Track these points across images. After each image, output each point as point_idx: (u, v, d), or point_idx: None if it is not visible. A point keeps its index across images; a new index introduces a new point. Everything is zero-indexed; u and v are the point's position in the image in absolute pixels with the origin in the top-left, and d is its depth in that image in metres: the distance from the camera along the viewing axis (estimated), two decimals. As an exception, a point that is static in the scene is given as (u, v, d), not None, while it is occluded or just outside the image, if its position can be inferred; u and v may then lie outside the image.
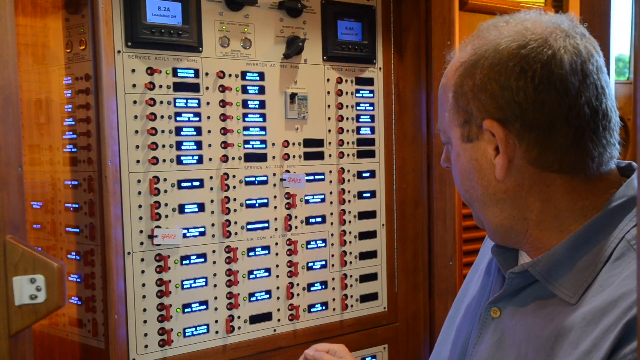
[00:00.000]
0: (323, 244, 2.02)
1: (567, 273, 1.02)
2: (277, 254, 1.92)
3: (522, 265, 1.06)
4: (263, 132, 1.89)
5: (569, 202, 1.04)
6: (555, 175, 1.03)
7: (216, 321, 1.81)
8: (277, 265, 1.92)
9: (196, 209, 1.76)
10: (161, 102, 1.70)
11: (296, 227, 1.96)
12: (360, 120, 2.09)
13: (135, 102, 1.67)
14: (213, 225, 1.80)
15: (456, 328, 1.24)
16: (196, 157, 1.76)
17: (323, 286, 2.02)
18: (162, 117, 1.70)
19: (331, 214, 2.03)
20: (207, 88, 1.78)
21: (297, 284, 1.96)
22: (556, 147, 1.02)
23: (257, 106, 1.87)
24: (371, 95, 2.12)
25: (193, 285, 1.76)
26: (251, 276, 1.87)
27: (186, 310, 1.75)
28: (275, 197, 1.91)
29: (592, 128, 1.02)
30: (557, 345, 0.98)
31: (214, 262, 1.80)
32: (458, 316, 1.28)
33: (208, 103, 1.78)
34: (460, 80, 1.06)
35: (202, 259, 1.78)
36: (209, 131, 1.78)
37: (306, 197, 1.98)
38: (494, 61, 1.02)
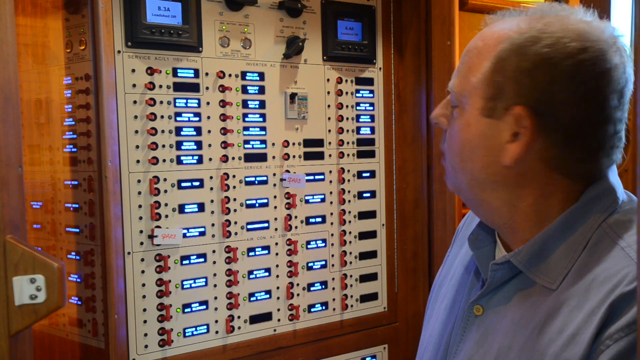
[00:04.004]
0: (323, 244, 2.02)
1: (548, 261, 1.04)
2: (277, 254, 1.92)
3: (505, 256, 1.08)
4: (263, 132, 1.89)
5: (561, 202, 1.06)
6: (560, 177, 1.05)
7: (216, 321, 1.81)
8: (277, 265, 1.92)
9: (196, 209, 1.76)
10: (161, 102, 1.70)
11: (296, 227, 1.96)
12: (360, 120, 2.09)
13: (135, 102, 1.67)
14: (213, 225, 1.80)
15: (442, 323, 1.24)
16: (196, 157, 1.76)
17: (323, 286, 2.02)
18: (162, 117, 1.70)
19: (331, 214, 2.03)
20: (207, 88, 1.78)
21: (297, 284, 1.96)
22: (574, 156, 1.03)
23: (257, 106, 1.87)
24: (371, 95, 2.12)
25: (193, 285, 1.76)
26: (251, 276, 1.87)
27: (186, 310, 1.75)
28: (275, 197, 1.91)
29: (610, 146, 1.05)
30: (542, 332, 1.01)
31: (214, 262, 1.80)
32: (437, 303, 1.29)
33: (208, 103, 1.78)
34: (505, 54, 1.03)
35: (202, 259, 1.78)
36: (209, 131, 1.78)
37: (306, 197, 1.98)
38: (551, 53, 1.01)
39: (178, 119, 1.73)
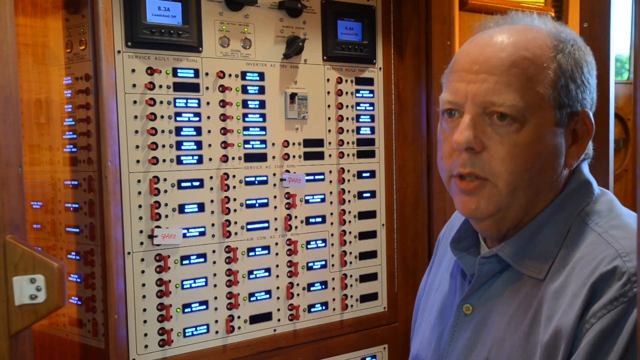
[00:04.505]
0: (323, 244, 2.02)
1: (534, 252, 1.08)
2: (277, 254, 1.92)
3: (492, 250, 1.11)
4: (263, 132, 1.89)
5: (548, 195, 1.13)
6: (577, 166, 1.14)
7: (216, 321, 1.81)
8: (277, 265, 1.92)
9: (196, 209, 1.76)
10: (161, 102, 1.70)
11: (296, 227, 1.96)
12: (360, 120, 2.09)
13: (135, 102, 1.67)
14: (213, 225, 1.80)
15: (432, 328, 1.25)
16: (196, 157, 1.76)
17: (323, 286, 2.02)
18: (162, 117, 1.70)
19: (331, 214, 2.03)
20: (207, 88, 1.78)
21: (297, 284, 1.96)
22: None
23: (257, 106, 1.87)
24: (371, 95, 2.12)
25: (193, 285, 1.76)
26: (251, 276, 1.87)
27: (186, 310, 1.75)
28: (275, 197, 1.91)
29: None
30: (534, 322, 1.04)
31: (214, 262, 1.80)
32: (425, 312, 1.31)
33: (208, 103, 1.78)
34: (564, 63, 1.07)
35: (202, 259, 1.78)
36: (209, 131, 1.78)
37: (306, 197, 1.98)
38: (590, 58, 1.12)
39: (178, 119, 1.73)
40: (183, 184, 1.74)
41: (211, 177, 1.79)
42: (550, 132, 1.06)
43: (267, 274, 1.90)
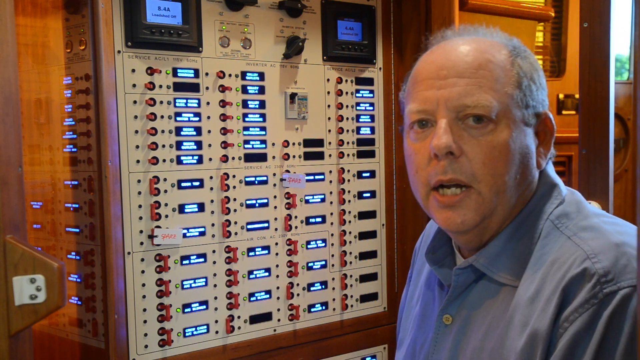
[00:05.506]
0: (323, 244, 2.02)
1: (507, 260, 1.09)
2: (277, 254, 1.92)
3: (467, 261, 1.12)
4: (263, 132, 1.89)
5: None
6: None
7: (216, 321, 1.81)
8: (277, 265, 1.92)
9: (196, 209, 1.76)
10: (161, 102, 1.70)
11: (296, 227, 1.96)
12: (360, 120, 2.09)
13: (135, 102, 1.67)
14: (213, 225, 1.80)
15: (413, 340, 1.25)
16: (196, 157, 1.76)
17: (323, 286, 2.02)
18: (162, 117, 1.71)
19: (331, 214, 2.03)
20: (207, 88, 1.78)
21: (297, 284, 1.96)
22: None
23: (257, 106, 1.87)
24: (371, 95, 2.12)
25: (193, 285, 1.76)
26: (251, 276, 1.87)
27: (186, 310, 1.75)
28: (275, 197, 1.91)
29: None
30: (509, 328, 1.04)
31: (214, 262, 1.80)
32: (408, 324, 1.31)
33: (208, 103, 1.78)
34: (524, 65, 1.10)
35: (202, 259, 1.78)
36: (209, 131, 1.78)
37: (306, 197, 1.98)
38: (537, 62, 1.14)
39: (178, 119, 1.73)
40: (183, 184, 1.74)
41: (211, 177, 1.79)
42: (521, 132, 1.07)
43: (267, 274, 1.90)
